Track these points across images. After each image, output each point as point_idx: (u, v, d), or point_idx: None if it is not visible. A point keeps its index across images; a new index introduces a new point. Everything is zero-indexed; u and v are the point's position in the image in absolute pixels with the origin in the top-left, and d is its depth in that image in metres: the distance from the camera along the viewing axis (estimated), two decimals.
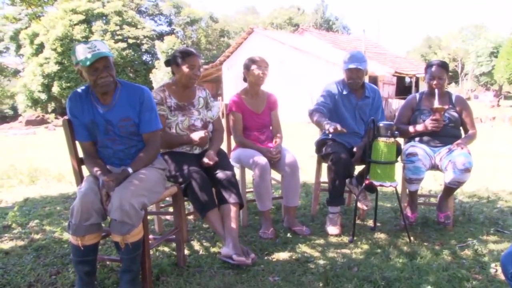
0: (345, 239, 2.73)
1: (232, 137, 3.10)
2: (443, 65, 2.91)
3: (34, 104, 26.69)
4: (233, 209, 2.39)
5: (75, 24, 25.47)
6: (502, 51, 23.43)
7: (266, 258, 2.41)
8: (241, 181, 2.96)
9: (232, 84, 19.41)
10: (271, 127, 3.15)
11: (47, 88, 25.32)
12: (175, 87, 2.62)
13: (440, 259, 2.35)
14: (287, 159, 2.85)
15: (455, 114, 2.92)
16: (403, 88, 20.74)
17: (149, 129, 2.12)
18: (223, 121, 3.00)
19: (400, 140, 2.87)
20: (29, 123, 21.90)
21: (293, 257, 2.41)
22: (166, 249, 2.59)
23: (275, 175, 3.10)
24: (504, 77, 22.73)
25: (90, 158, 2.08)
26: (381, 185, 2.55)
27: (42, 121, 22.46)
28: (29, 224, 3.15)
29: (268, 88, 3.14)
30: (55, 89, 24.83)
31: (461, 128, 2.99)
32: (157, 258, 2.43)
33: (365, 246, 2.59)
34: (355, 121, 3.02)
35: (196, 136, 2.51)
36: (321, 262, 2.34)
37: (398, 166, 2.70)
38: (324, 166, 3.19)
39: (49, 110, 27.24)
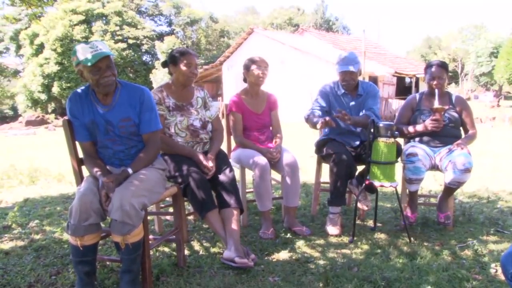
0: (345, 239, 2.73)
1: (232, 137, 3.10)
2: (443, 65, 2.91)
3: (34, 104, 26.71)
4: (234, 213, 2.39)
5: (75, 25, 25.49)
6: (502, 51, 23.43)
7: (266, 258, 2.41)
8: (241, 182, 2.96)
9: (232, 84, 19.42)
10: (271, 127, 3.16)
11: (47, 88, 25.33)
12: (173, 87, 2.62)
13: (440, 259, 2.35)
14: (287, 160, 2.85)
15: (455, 114, 2.92)
16: (403, 88, 20.74)
17: (149, 129, 2.12)
18: (223, 122, 3.00)
19: (400, 141, 2.87)
20: (29, 123, 21.90)
21: (293, 257, 2.41)
22: (166, 249, 2.59)
23: (275, 176, 3.10)
24: (504, 77, 22.73)
25: (90, 158, 2.08)
26: (381, 186, 2.55)
27: (42, 122, 22.47)
28: (29, 225, 3.15)
29: (268, 88, 3.14)
30: (55, 89, 24.84)
31: (461, 128, 2.99)
32: (157, 258, 2.43)
33: (365, 246, 2.59)
34: None
35: (207, 164, 2.47)
36: (321, 262, 2.34)
37: (398, 166, 2.70)
38: (324, 166, 3.19)
39: (49, 110, 27.27)
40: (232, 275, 2.16)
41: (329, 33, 27.52)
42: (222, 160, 2.60)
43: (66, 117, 2.12)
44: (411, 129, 2.92)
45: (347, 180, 2.86)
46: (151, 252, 2.29)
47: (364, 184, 2.68)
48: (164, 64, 2.65)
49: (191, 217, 3.17)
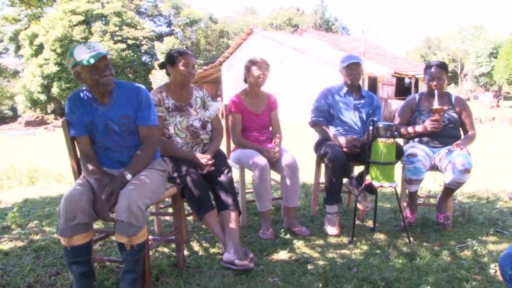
0: (345, 239, 2.73)
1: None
2: (442, 66, 2.91)
3: (34, 105, 26.71)
4: (232, 215, 2.39)
5: (74, 25, 25.50)
6: (501, 52, 23.47)
7: (265, 258, 2.41)
8: (240, 182, 2.96)
9: (232, 84, 19.43)
10: (270, 128, 3.16)
11: (46, 89, 25.34)
12: (172, 88, 2.62)
13: (439, 259, 2.35)
14: (286, 160, 2.85)
15: (455, 115, 2.93)
16: (402, 88, 20.76)
17: (147, 122, 2.11)
18: (223, 122, 3.00)
19: (399, 141, 2.88)
20: (28, 124, 21.90)
21: (293, 258, 2.41)
22: (166, 249, 2.59)
23: (275, 176, 3.10)
24: (504, 78, 22.76)
25: (87, 160, 2.04)
26: (380, 186, 2.55)
27: (41, 122, 22.46)
28: (29, 225, 3.15)
29: (268, 89, 3.14)
30: (55, 90, 24.84)
31: (460, 129, 2.99)
32: (157, 258, 2.43)
33: (365, 247, 2.59)
34: (355, 120, 3.06)
35: (202, 160, 2.47)
36: (321, 262, 2.34)
37: (398, 167, 2.70)
38: (324, 166, 3.19)
39: (49, 111, 27.27)
40: (232, 275, 2.16)
41: (328, 33, 27.56)
42: (220, 161, 2.60)
43: (65, 118, 2.12)
44: (410, 129, 2.92)
45: (342, 177, 2.87)
46: (151, 253, 2.28)
47: (363, 185, 2.68)
48: (162, 66, 2.65)
49: (190, 218, 3.17)
